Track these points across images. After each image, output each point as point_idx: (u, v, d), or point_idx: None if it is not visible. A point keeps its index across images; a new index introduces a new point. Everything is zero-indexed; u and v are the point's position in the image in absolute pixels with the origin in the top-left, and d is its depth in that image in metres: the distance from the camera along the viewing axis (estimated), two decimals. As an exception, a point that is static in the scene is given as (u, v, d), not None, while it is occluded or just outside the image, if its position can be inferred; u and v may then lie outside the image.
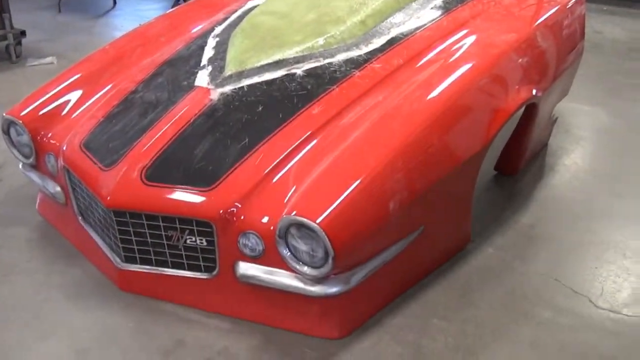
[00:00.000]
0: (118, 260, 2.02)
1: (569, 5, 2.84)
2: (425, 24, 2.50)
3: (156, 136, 2.00)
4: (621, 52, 5.07)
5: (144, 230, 1.91)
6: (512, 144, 2.73)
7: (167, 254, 1.94)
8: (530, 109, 2.52)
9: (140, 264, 2.00)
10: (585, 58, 4.32)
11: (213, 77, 2.23)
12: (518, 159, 2.78)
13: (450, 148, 2.03)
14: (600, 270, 2.24)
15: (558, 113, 3.36)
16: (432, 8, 2.63)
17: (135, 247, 1.96)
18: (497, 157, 2.83)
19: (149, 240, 1.93)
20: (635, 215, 2.66)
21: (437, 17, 2.55)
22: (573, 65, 2.97)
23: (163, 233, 1.90)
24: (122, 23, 5.72)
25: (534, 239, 2.42)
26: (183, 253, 1.92)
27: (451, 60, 2.26)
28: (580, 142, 3.34)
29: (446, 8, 2.64)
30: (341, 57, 2.28)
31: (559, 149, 3.23)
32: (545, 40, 2.58)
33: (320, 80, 2.16)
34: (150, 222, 1.89)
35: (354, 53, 2.30)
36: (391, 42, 2.37)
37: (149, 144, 1.98)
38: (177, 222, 1.86)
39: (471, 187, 2.20)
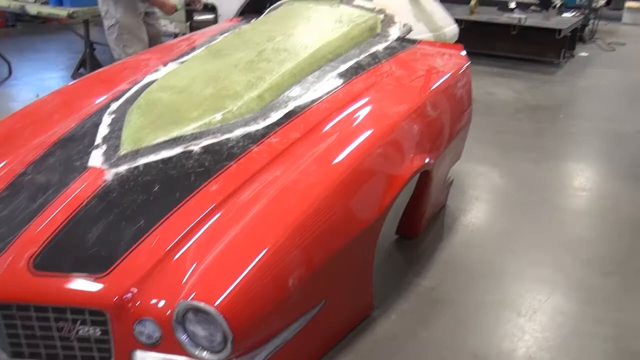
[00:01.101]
0: (4, 356, 1.90)
1: (456, 75, 3.07)
2: (321, 97, 2.61)
3: (46, 221, 1.94)
4: (510, 113, 5.47)
5: (32, 323, 1.82)
6: (411, 208, 2.85)
7: (59, 346, 1.85)
8: (425, 176, 2.66)
9: (30, 359, 1.89)
10: (480, 119, 4.63)
11: (107, 156, 2.20)
12: (417, 222, 2.90)
13: (348, 219, 2.09)
14: (498, 330, 2.35)
15: (454, 175, 3.56)
16: (327, 81, 2.75)
17: (24, 341, 1.85)
18: (398, 221, 2.94)
19: (38, 333, 1.83)
20: (526, 272, 2.83)
21: (332, 90, 2.67)
22: (463, 131, 3.18)
23: (54, 325, 1.82)
24: (19, 94, 5.53)
25: (436, 303, 2.51)
26: (76, 345, 1.84)
27: (347, 132, 2.36)
28: (476, 202, 3.54)
29: (341, 81, 2.76)
30: (239, 132, 2.32)
31: (457, 209, 3.41)
32: (435, 109, 2.76)
33: (218, 157, 2.19)
34: (40, 314, 1.81)
35: (251, 128, 2.35)
36: (288, 116, 2.45)
37: (37, 230, 1.91)
38: (68, 312, 1.79)
39: (371, 255, 2.26)
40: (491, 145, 4.54)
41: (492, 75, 6.82)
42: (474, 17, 7.64)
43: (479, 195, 3.63)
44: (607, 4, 11.58)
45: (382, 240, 2.35)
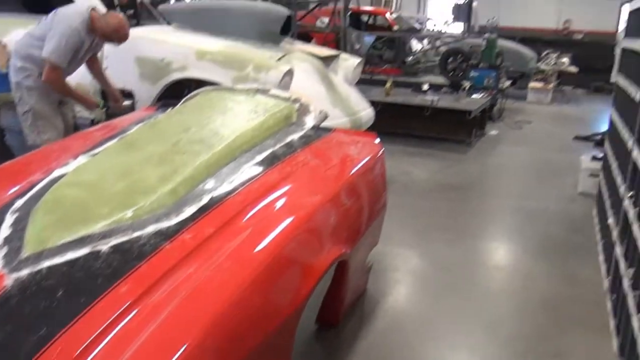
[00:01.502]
0: None
1: (371, 163, 3.18)
2: (236, 189, 2.62)
3: None
4: (426, 192, 5.69)
5: None
6: (330, 297, 2.85)
7: None
8: (343, 265, 2.69)
9: None
10: (397, 199, 4.78)
11: (8, 260, 2.10)
12: (337, 310, 2.90)
13: (265, 314, 2.07)
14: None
15: (373, 258, 3.62)
16: (243, 172, 2.78)
17: None
18: (318, 310, 2.93)
19: None
20: (446, 355, 2.87)
21: (248, 181, 2.69)
22: (379, 217, 3.27)
23: None
24: None
25: (357, 395, 2.49)
26: None
27: (262, 225, 2.36)
28: (396, 285, 3.60)
29: (257, 172, 2.80)
30: (151, 229, 2.28)
31: (377, 293, 3.45)
32: (350, 197, 2.83)
33: (128, 256, 2.13)
34: None
35: (164, 224, 2.32)
36: (203, 210, 2.44)
37: None
38: None
39: (289, 348, 2.23)
40: (409, 227, 4.67)
41: (408, 155, 7.11)
42: (389, 99, 8.02)
43: (399, 278, 3.70)
44: (513, 84, 12.51)
45: (301, 331, 2.34)
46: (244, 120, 3.17)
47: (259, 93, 3.64)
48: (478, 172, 6.67)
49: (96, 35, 4.05)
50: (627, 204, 3.13)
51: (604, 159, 4.94)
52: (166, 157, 2.73)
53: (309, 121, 3.46)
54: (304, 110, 3.52)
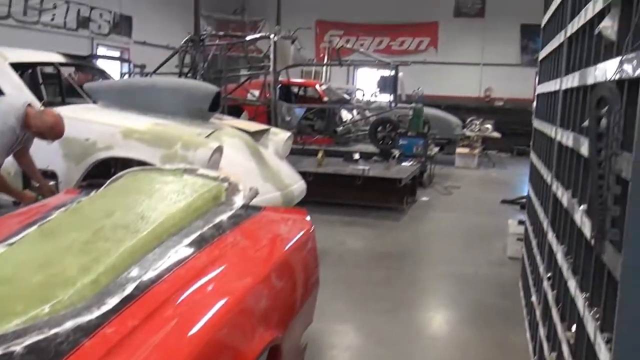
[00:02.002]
0: None
1: (301, 241, 3.18)
2: (162, 276, 2.55)
3: None
4: (360, 262, 5.72)
5: None
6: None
7: None
8: (275, 349, 2.63)
9: None
10: (332, 271, 4.78)
11: None
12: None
13: (194, 410, 1.98)
14: None
15: (308, 337, 3.56)
16: (169, 258, 2.72)
17: None
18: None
19: None
20: None
21: (174, 268, 2.63)
22: (312, 295, 3.24)
23: None
24: None
25: None
26: None
27: (188, 314, 2.30)
28: (332, 363, 3.54)
29: (184, 256, 2.74)
30: (69, 324, 2.17)
31: (314, 374, 3.38)
32: (282, 279, 2.81)
33: (44, 356, 2.01)
34: None
35: (84, 318, 2.21)
36: (126, 301, 2.35)
37: None
38: None
39: None
40: (344, 299, 4.65)
41: (342, 225, 7.17)
42: (321, 170, 8.15)
43: (336, 356, 3.65)
44: (440, 150, 13.00)
45: None
46: (171, 202, 3.13)
47: (186, 173, 3.62)
48: (411, 239, 6.79)
49: (30, 131, 3.98)
50: (546, 285, 3.15)
51: (525, 234, 5.09)
52: (88, 245, 2.64)
53: (238, 200, 3.45)
54: (233, 189, 3.52)
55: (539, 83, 4.73)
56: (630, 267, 1.59)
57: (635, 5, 1.69)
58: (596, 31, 2.22)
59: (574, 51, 2.98)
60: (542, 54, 4.53)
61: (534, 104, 4.97)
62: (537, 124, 4.51)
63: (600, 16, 2.24)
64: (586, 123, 2.08)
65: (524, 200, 8.07)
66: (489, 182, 11.38)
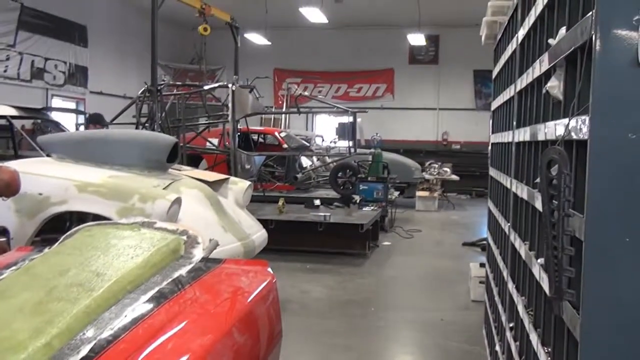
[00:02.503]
0: None
1: (263, 294, 3.14)
2: (118, 336, 2.47)
3: None
4: (324, 311, 5.66)
5: None
6: None
7: None
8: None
9: None
10: (296, 321, 4.71)
11: None
12: None
13: None
14: None
15: (273, 392, 3.48)
16: (126, 316, 2.64)
17: None
18: None
19: None
20: None
21: (131, 327, 2.55)
22: (275, 349, 3.18)
23: None
24: None
25: None
26: None
27: (147, 376, 2.23)
28: (297, 419, 3.46)
29: (141, 314, 2.67)
30: (20, 392, 2.08)
31: None
32: (243, 334, 2.75)
33: None
34: None
35: (36, 385, 2.13)
36: (81, 364, 2.27)
37: None
38: None
39: None
40: (309, 351, 4.58)
41: (304, 272, 7.12)
42: (282, 217, 8.12)
43: (301, 411, 3.56)
44: (401, 194, 13.15)
45: None
46: (128, 257, 3.06)
47: (144, 227, 3.56)
48: (375, 285, 6.77)
49: None
50: (509, 335, 3.09)
51: (486, 279, 5.12)
52: (41, 305, 2.55)
53: (198, 253, 3.40)
54: (192, 241, 3.47)
55: (492, 132, 4.86)
56: (589, 328, 1.59)
57: (580, 69, 1.76)
58: (544, 90, 2.29)
59: (525, 106, 3.02)
60: (494, 104, 4.66)
61: (489, 148, 5.09)
62: (493, 172, 4.60)
63: (547, 75, 2.30)
64: (537, 180, 2.11)
65: (484, 242, 8.19)
66: (449, 225, 11.53)
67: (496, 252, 4.08)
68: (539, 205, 2.36)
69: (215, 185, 5.68)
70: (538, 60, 2.51)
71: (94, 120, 7.15)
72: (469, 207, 14.35)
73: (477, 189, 16.31)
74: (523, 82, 3.00)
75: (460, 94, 18.54)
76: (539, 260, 2.32)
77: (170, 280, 3.03)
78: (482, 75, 17.78)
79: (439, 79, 18.75)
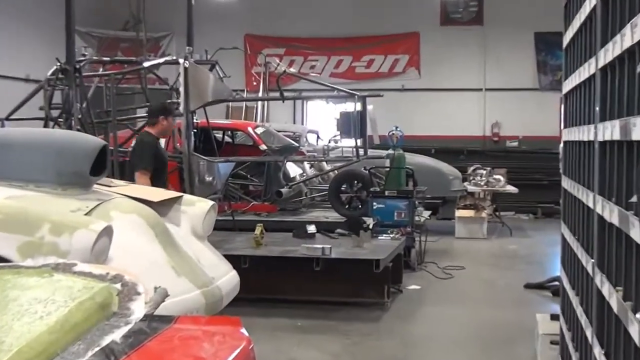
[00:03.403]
0: None
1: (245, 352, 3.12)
2: None
3: None
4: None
5: None
6: None
7: None
8: None
9: None
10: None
11: None
12: None
13: None
14: None
15: None
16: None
17: None
18: None
19: None
20: None
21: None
22: None
23: None
24: None
25: None
26: None
27: None
28: None
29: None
30: None
31: None
32: None
33: None
34: None
35: None
36: None
37: None
38: None
39: None
40: None
41: (295, 332, 7.08)
42: (261, 252, 8.09)
43: None
44: (434, 214, 13.14)
45: None
46: (36, 317, 3.04)
47: (58, 271, 3.54)
48: (399, 350, 6.74)
49: None
50: None
51: (561, 337, 5.08)
52: None
53: (138, 308, 3.38)
54: (129, 292, 3.44)
55: (565, 125, 4.85)
56: None
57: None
58: (638, 68, 2.25)
59: (612, 88, 2.99)
60: (567, 84, 4.65)
61: (561, 146, 5.09)
62: (567, 184, 4.58)
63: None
64: (635, 198, 2.08)
65: (556, 284, 8.16)
66: (505, 258, 11.51)
67: (575, 300, 4.06)
68: (636, 234, 2.32)
69: (162, 207, 5.66)
70: (629, 25, 2.47)
71: None
72: (532, 232, 14.35)
73: (544, 205, 16.34)
74: (608, 54, 2.97)
75: (517, 68, 18.59)
76: (638, 315, 2.29)
77: (97, 349, 3.01)
78: (547, 40, 17.86)
79: (484, 46, 18.83)
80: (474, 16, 18.98)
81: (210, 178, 9.65)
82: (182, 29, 11.14)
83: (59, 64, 8.59)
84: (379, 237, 9.15)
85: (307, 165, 12.36)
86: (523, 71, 18.60)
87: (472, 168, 14.86)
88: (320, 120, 18.43)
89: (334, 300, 7.97)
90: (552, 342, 5.86)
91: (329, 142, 13.63)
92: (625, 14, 2.65)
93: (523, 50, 18.54)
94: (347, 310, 7.82)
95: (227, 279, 5.52)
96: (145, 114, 10.52)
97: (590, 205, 3.46)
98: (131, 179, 7.14)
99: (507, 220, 14.68)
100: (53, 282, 3.40)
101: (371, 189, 10.49)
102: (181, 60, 8.79)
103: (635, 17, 2.39)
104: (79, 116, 8.28)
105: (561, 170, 5.04)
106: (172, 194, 6.08)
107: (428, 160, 14.37)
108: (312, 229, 9.18)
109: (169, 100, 9.86)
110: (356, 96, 10.66)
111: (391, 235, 9.29)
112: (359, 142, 10.53)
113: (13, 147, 5.44)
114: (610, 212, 2.88)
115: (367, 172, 11.03)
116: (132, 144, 7.76)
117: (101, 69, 10.22)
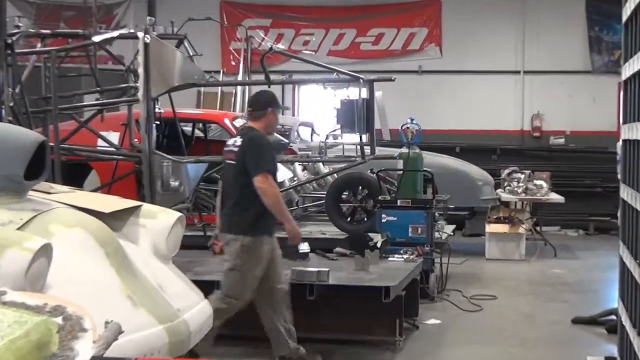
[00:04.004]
0: None
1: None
2: None
3: None
4: None
5: None
6: None
7: None
8: None
9: None
10: None
11: None
12: None
13: None
14: None
15: None
16: None
17: None
18: None
19: None
20: None
21: None
22: None
23: None
24: None
25: None
26: None
27: None
28: None
29: None
30: None
31: None
32: None
33: None
34: None
35: None
36: None
37: None
38: None
39: None
40: None
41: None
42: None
43: None
44: (459, 228, 13.14)
45: None
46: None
47: (-16, 301, 3.55)
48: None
49: None
50: None
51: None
52: None
53: (84, 349, 3.39)
54: (72, 327, 3.45)
55: (624, 119, 4.85)
56: None
57: None
58: None
59: None
60: (628, 68, 4.65)
61: (620, 145, 5.09)
62: (627, 193, 4.57)
63: None
64: None
65: (612, 318, 8.15)
66: (547, 286, 11.51)
67: (636, 340, 4.06)
68: None
69: (115, 219, 5.66)
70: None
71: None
72: (582, 252, 14.34)
73: (597, 219, 16.34)
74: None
75: (564, 46, 18.60)
76: None
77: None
78: (602, 11, 17.87)
79: (523, 17, 18.86)
80: (509, -20, 19.07)
81: (177, 183, 9.64)
82: (142, -6, 11.20)
83: (-16, 38, 8.59)
84: (389, 259, 9.15)
85: (298, 166, 12.35)
86: (571, 49, 18.61)
87: (506, 171, 14.85)
88: (316, 111, 18.44)
89: (332, 338, 7.96)
90: (607, 393, 5.87)
91: (327, 137, 13.62)
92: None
93: (572, 24, 18.59)
94: (349, 351, 7.81)
95: (196, 310, 5.51)
96: (96, 102, 10.56)
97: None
98: (247, 188, 7.10)
99: (550, 238, 14.65)
100: (-24, 316, 3.40)
101: (379, 198, 10.47)
102: (140, 34, 8.78)
103: None
104: (11, 104, 8.27)
105: (619, 176, 5.03)
106: (128, 203, 6.07)
107: (452, 162, 14.40)
108: (304, 247, 9.15)
109: (127, 84, 9.87)
110: (361, 80, 10.64)
111: (405, 256, 9.27)
112: (365, 138, 10.53)
113: None
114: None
115: (374, 175, 11.01)
116: (238, 141, 7.60)
117: (39, 45, 10.18)
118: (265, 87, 10.49)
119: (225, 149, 7.63)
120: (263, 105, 7.79)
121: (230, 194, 7.47)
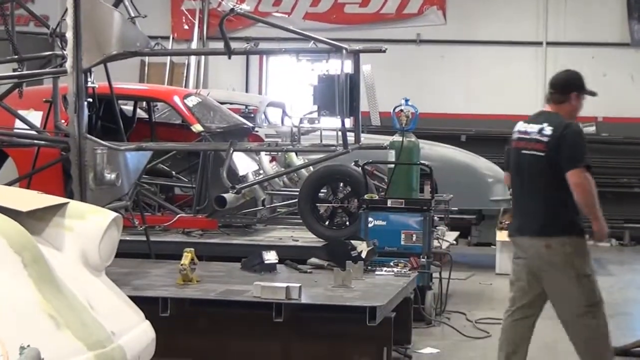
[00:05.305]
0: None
1: None
2: None
3: None
4: None
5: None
6: None
7: None
8: None
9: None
10: None
11: None
12: None
13: None
14: None
15: None
16: None
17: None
18: None
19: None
20: None
21: None
22: None
23: None
24: None
25: None
26: None
27: None
28: None
29: None
30: None
31: None
32: None
33: None
34: None
35: None
36: None
37: None
38: None
39: None
40: None
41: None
42: (190, 292, 8.08)
43: None
44: (464, 236, 13.19)
45: None
46: None
47: None
48: None
49: None
50: None
51: None
52: None
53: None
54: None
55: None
56: None
57: None
58: None
59: None
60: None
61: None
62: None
63: None
64: None
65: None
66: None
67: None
68: None
69: (35, 220, 5.67)
70: None
71: None
72: (615, 267, 14.44)
73: (634, 226, 16.40)
74: None
75: (595, 12, 18.71)
76: None
77: None
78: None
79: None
80: None
81: (113, 175, 9.64)
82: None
83: None
84: (376, 272, 9.17)
85: (265, 157, 12.35)
86: (604, 17, 18.75)
87: (523, 166, 14.91)
88: (288, 88, 18.46)
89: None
90: None
91: (301, 121, 13.64)
92: None
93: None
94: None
95: (135, 334, 5.53)
96: (13, 74, 10.53)
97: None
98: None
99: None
100: None
101: (365, 197, 10.50)
102: (68, -10, 8.79)
103: None
104: None
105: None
106: (51, 200, 6.08)
107: (456, 153, 14.45)
108: (271, 257, 9.19)
109: (52, 52, 9.85)
110: (344, 50, 10.65)
111: (395, 269, 9.31)
112: (348, 122, 10.54)
113: None
114: None
115: (359, 169, 11.03)
116: (547, 130, 7.66)
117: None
118: (223, 59, 10.52)
119: (522, 136, 8.31)
120: (564, 88, 8.01)
121: (533, 190, 7.84)
